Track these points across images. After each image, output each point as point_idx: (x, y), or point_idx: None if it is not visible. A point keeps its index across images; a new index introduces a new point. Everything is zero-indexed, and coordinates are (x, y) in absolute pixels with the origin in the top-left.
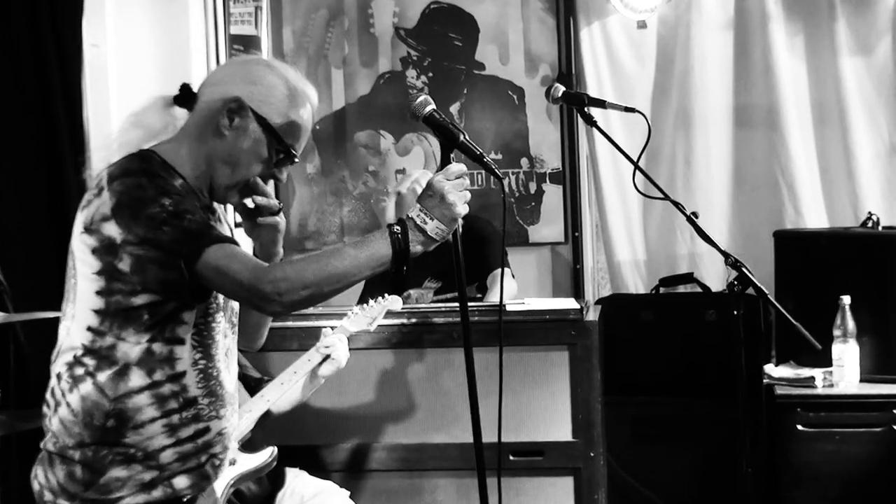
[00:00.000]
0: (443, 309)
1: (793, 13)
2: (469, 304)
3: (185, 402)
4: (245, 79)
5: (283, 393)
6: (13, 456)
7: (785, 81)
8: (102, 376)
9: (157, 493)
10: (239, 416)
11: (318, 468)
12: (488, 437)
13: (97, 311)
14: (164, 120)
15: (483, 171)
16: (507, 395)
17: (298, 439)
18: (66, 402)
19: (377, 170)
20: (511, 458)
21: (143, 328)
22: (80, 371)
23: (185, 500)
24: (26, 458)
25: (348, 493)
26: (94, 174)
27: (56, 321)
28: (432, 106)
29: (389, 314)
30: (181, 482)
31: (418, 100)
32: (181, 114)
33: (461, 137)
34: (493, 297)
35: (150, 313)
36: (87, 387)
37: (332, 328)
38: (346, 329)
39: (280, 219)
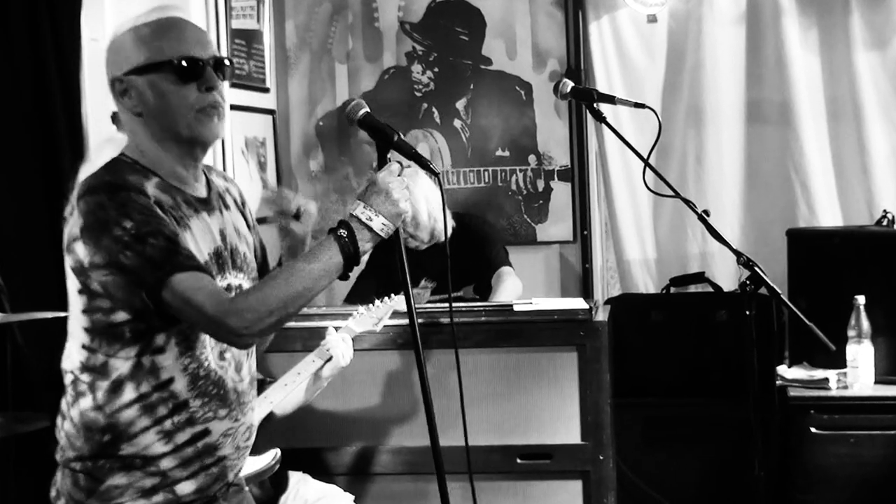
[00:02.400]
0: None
1: (806, 7)
2: (475, 304)
3: (174, 406)
4: (107, 62)
5: (286, 395)
6: (11, 458)
7: (798, 76)
8: (99, 392)
9: (157, 498)
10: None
11: (321, 472)
12: (495, 440)
13: (86, 329)
14: (114, 149)
15: (489, 170)
16: (515, 396)
17: (302, 442)
18: (69, 416)
19: None
20: (518, 461)
21: (129, 344)
22: (82, 387)
23: None
24: (24, 460)
25: (353, 497)
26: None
27: (54, 322)
28: (366, 109)
29: (395, 314)
30: (185, 488)
31: (352, 104)
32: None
33: (395, 137)
34: (499, 297)
35: (131, 330)
36: (86, 402)
37: (337, 328)
38: (352, 329)
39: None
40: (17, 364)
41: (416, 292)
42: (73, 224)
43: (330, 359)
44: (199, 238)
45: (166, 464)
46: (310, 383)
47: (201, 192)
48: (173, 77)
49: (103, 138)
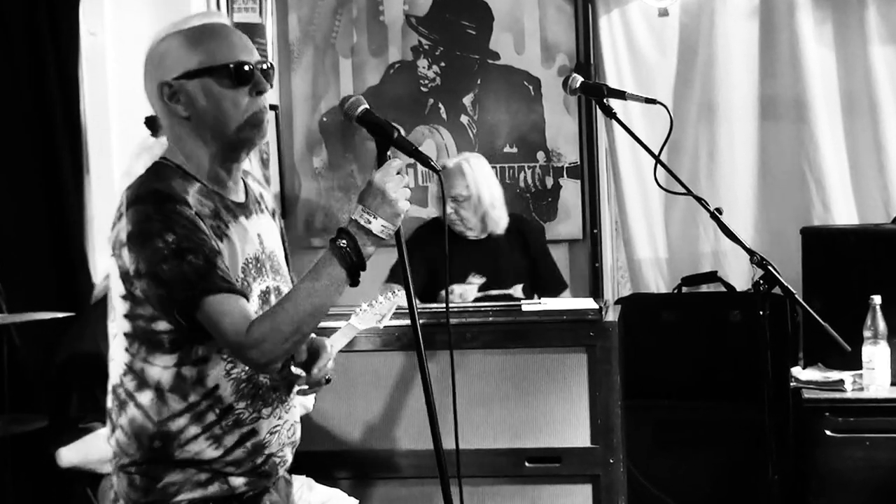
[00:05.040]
0: (458, 309)
1: (821, 0)
2: (482, 304)
3: (221, 411)
4: (151, 67)
5: None
6: (8, 459)
7: (813, 71)
8: (143, 399)
9: (213, 488)
10: None
11: (325, 476)
12: (503, 443)
13: (126, 335)
14: (150, 156)
15: (497, 167)
16: (523, 398)
17: (305, 445)
18: (119, 424)
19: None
20: (527, 464)
21: (168, 352)
22: (123, 394)
23: (244, 496)
24: (22, 461)
25: (357, 501)
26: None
27: (51, 322)
28: (365, 105)
29: (399, 312)
30: (237, 481)
31: (351, 101)
32: (163, 140)
33: (395, 134)
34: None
35: (170, 340)
36: (132, 410)
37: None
38: (355, 327)
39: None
40: (14, 365)
41: (464, 287)
42: (120, 229)
43: None
44: (238, 245)
45: (219, 466)
46: None
47: (240, 196)
48: (228, 81)
49: (138, 145)
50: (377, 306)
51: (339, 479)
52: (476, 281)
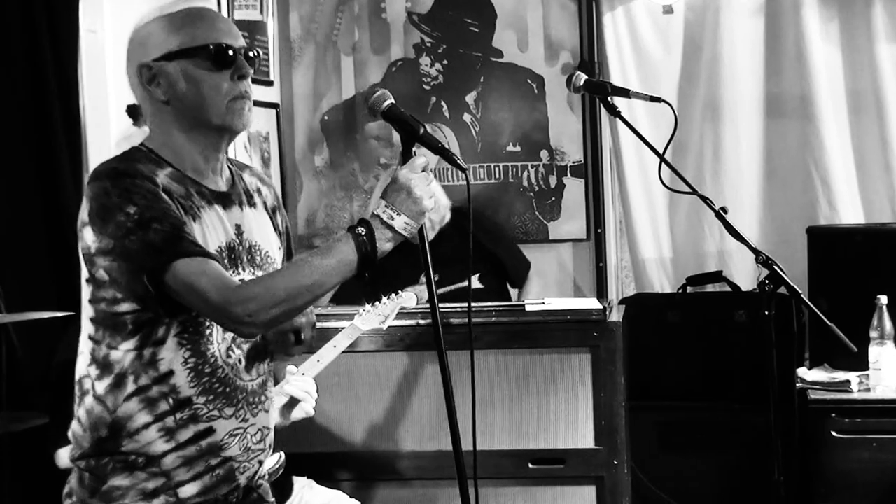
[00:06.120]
0: (460, 309)
1: None
2: (486, 304)
3: (176, 403)
4: (132, 50)
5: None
6: (5, 459)
7: (819, 69)
8: (101, 387)
9: (158, 501)
10: None
11: (327, 477)
12: (506, 444)
13: (91, 320)
14: (131, 145)
15: (500, 166)
16: (526, 399)
17: (306, 447)
18: (77, 415)
19: (389, 162)
20: (530, 465)
21: (130, 335)
22: (86, 384)
23: None
24: (19, 460)
25: (358, 503)
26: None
27: (50, 322)
28: (391, 100)
29: (402, 313)
30: (188, 490)
31: (376, 94)
32: (146, 129)
33: (422, 130)
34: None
35: (133, 321)
36: (89, 400)
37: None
38: (358, 328)
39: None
40: (12, 364)
41: (417, 289)
42: (82, 210)
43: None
44: (208, 230)
45: (168, 463)
46: (282, 409)
47: (220, 185)
48: (207, 63)
49: (121, 134)
50: (380, 307)
51: (341, 480)
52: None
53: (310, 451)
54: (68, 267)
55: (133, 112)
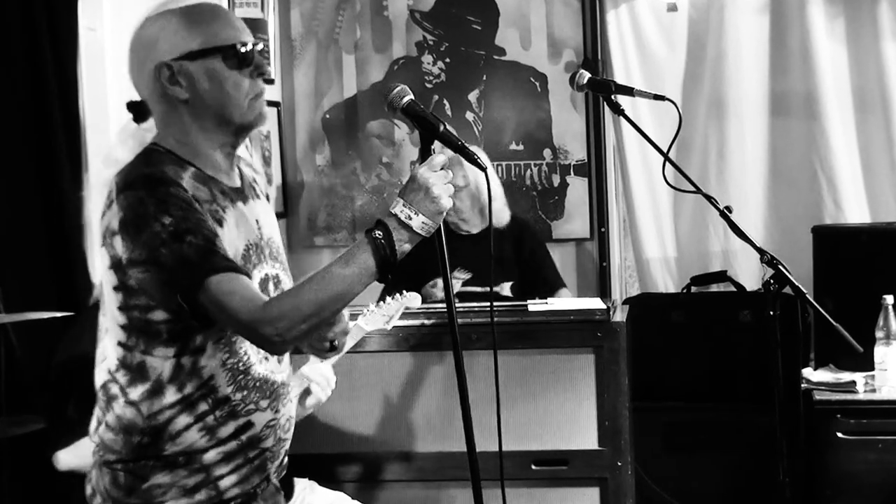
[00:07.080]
0: (464, 309)
1: None
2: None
3: (215, 402)
4: (141, 49)
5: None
6: (5, 461)
7: (824, 67)
8: (135, 394)
9: (200, 496)
10: None
11: (329, 479)
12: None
13: (122, 327)
14: (138, 142)
15: (503, 164)
16: (529, 400)
17: (308, 448)
18: (105, 421)
19: (391, 161)
20: (533, 467)
21: (166, 343)
22: (114, 389)
23: (232, 502)
24: (19, 463)
25: None
26: (95, 175)
27: (49, 322)
28: (410, 96)
29: (407, 313)
30: (227, 482)
31: (395, 90)
32: (149, 126)
33: (441, 128)
34: None
35: (168, 330)
36: (120, 406)
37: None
38: (362, 328)
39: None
40: (12, 365)
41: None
42: (111, 218)
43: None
44: (235, 230)
45: (209, 458)
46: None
47: (236, 181)
48: (232, 62)
49: (122, 130)
50: (385, 307)
51: (343, 481)
52: (461, 276)
53: (312, 451)
54: (68, 267)
55: (137, 109)
